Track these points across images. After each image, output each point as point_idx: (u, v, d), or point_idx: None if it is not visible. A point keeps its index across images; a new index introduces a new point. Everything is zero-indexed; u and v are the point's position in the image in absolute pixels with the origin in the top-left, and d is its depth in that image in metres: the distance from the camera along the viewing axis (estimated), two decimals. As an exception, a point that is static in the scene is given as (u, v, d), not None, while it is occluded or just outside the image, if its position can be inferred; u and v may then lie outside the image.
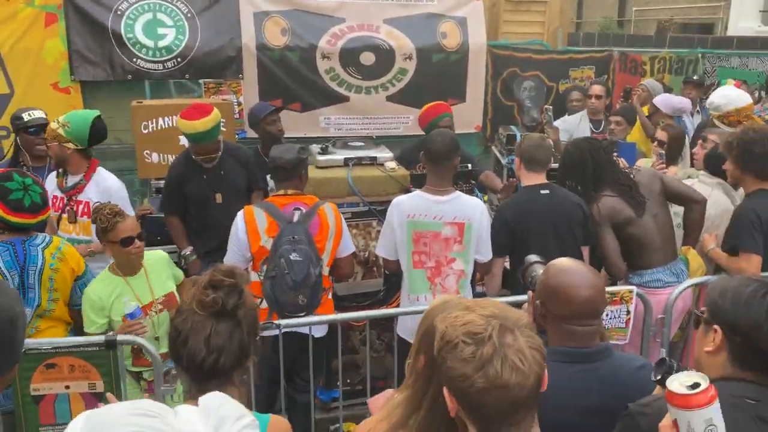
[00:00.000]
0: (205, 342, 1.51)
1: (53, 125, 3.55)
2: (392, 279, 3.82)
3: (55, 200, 3.57)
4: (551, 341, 1.82)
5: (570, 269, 1.83)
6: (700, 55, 7.09)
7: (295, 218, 3.08)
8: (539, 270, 1.98)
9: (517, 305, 2.78)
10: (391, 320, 3.43)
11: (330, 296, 3.33)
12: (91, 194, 3.55)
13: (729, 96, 4.31)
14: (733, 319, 1.51)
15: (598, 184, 3.42)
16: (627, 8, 18.02)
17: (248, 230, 3.08)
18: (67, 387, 2.61)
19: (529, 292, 2.00)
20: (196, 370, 1.52)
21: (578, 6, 17.79)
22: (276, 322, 2.78)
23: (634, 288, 3.13)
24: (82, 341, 2.63)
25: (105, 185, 3.60)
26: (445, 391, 1.23)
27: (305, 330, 3.01)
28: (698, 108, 6.22)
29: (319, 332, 3.20)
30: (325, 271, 3.17)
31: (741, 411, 1.45)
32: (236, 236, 3.10)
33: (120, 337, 2.62)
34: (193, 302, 1.54)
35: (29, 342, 2.54)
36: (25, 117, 3.92)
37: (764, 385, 1.49)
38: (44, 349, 2.57)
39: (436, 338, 1.24)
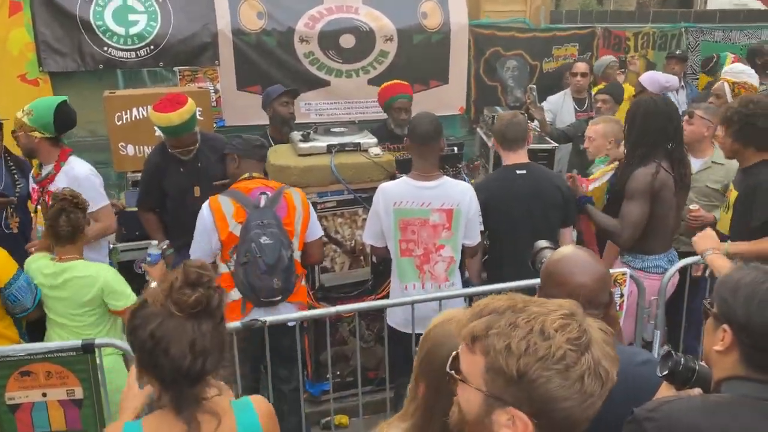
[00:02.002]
0: (189, 347, 1.40)
1: (18, 114, 3.42)
2: (380, 268, 3.74)
3: (34, 192, 3.49)
4: None
5: (572, 255, 1.78)
6: (683, 29, 7.02)
7: (262, 203, 3.02)
8: (549, 254, 1.92)
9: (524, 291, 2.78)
10: (380, 310, 3.36)
11: (303, 283, 3.27)
12: (61, 184, 3.41)
13: (749, 71, 4.60)
14: (745, 320, 1.39)
15: (670, 149, 3.24)
16: (607, -16, 17.94)
17: (216, 218, 2.99)
18: (44, 395, 2.49)
19: None
20: (179, 378, 1.42)
21: (558, -17, 17.68)
22: (261, 319, 2.69)
23: (627, 270, 3.08)
24: (57, 346, 2.49)
25: (73, 173, 3.47)
26: (511, 414, 0.98)
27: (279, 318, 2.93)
28: (682, 84, 6.18)
29: (292, 321, 3.11)
30: (297, 255, 3.12)
31: (756, 411, 1.37)
32: (203, 226, 3.01)
33: (98, 341, 2.51)
34: (169, 303, 1.41)
35: (1, 349, 2.42)
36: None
37: None
38: (18, 356, 2.44)
39: (509, 354, 0.97)
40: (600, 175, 3.72)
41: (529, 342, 0.96)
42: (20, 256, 3.07)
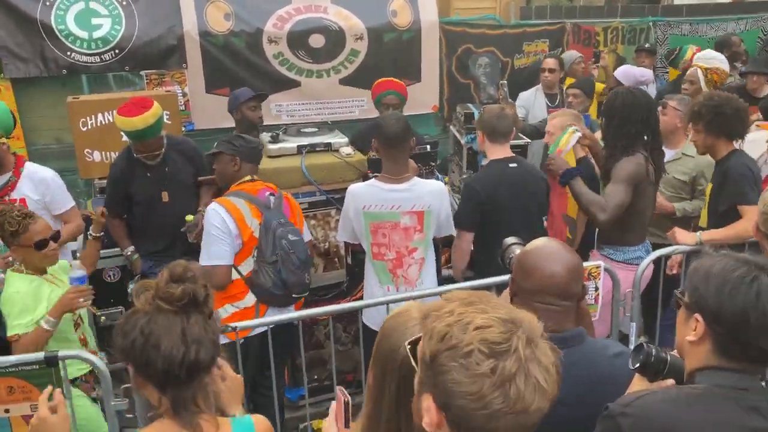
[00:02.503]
0: (181, 337, 1.39)
1: None
2: (355, 269, 3.70)
3: None
4: None
5: (545, 246, 1.75)
6: (651, 23, 7.09)
7: (272, 203, 3.03)
8: (517, 251, 1.89)
9: (488, 288, 2.74)
10: (356, 312, 3.31)
11: None
12: (26, 190, 3.33)
13: (720, 57, 4.76)
14: (717, 309, 1.37)
15: (647, 141, 3.23)
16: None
17: (236, 219, 2.94)
18: (7, 411, 2.41)
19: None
20: (175, 373, 1.39)
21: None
22: (232, 325, 2.63)
23: (601, 263, 3.06)
24: (18, 360, 2.40)
25: (39, 177, 3.38)
26: (428, 402, 0.99)
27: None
28: (654, 77, 6.24)
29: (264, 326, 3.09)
30: None
31: (731, 401, 1.35)
32: (225, 229, 2.93)
33: (62, 353, 2.42)
34: (157, 300, 1.41)
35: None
36: None
37: (751, 374, 1.39)
38: (-23, 371, 2.35)
39: (430, 338, 0.99)
40: (565, 145, 3.66)
41: (449, 330, 0.96)
42: None
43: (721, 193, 3.23)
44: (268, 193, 3.06)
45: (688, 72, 4.71)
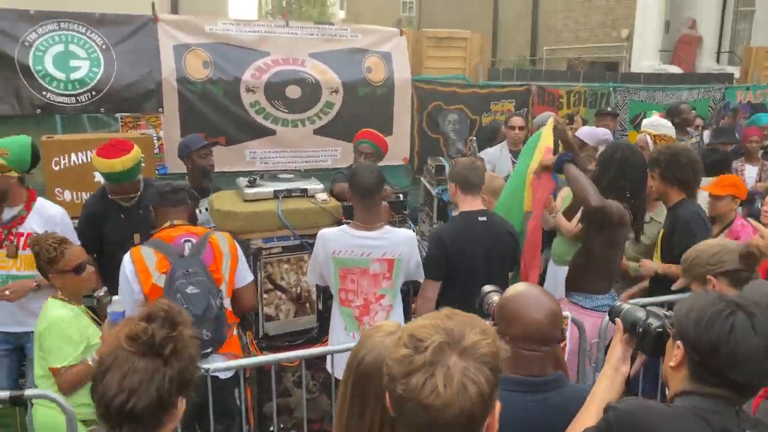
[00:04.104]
0: (119, 380, 1.36)
1: None
2: (325, 315, 3.69)
3: None
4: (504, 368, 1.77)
5: (525, 292, 1.82)
6: (612, 88, 7.49)
7: (186, 251, 2.91)
8: (495, 297, 1.95)
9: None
10: (324, 358, 3.30)
11: (235, 332, 3.16)
12: (34, 225, 3.33)
13: (667, 124, 5.07)
14: (695, 339, 1.51)
15: (635, 200, 3.37)
16: (538, 48, 18.98)
17: (137, 269, 2.85)
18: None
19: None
20: (106, 411, 1.38)
21: (493, 45, 18.60)
22: (205, 366, 2.59)
23: (568, 313, 3.15)
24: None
25: (49, 214, 3.40)
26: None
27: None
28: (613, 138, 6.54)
29: (226, 373, 2.99)
30: (227, 303, 3.01)
31: (702, 421, 1.46)
32: (125, 278, 2.87)
33: (29, 392, 2.35)
34: (122, 335, 1.41)
35: None
36: None
37: (722, 398, 1.50)
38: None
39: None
40: (548, 138, 3.70)
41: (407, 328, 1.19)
42: None
43: (673, 239, 3.45)
44: (184, 239, 2.95)
45: (638, 137, 5.03)
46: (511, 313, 1.77)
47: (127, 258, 2.89)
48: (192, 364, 1.47)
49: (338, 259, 3.13)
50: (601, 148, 5.74)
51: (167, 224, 3.01)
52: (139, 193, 3.58)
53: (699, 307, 1.53)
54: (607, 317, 3.17)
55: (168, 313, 1.45)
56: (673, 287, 2.96)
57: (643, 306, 1.83)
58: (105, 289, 3.59)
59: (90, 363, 2.62)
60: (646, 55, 14.89)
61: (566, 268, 3.64)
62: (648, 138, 4.87)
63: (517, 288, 1.86)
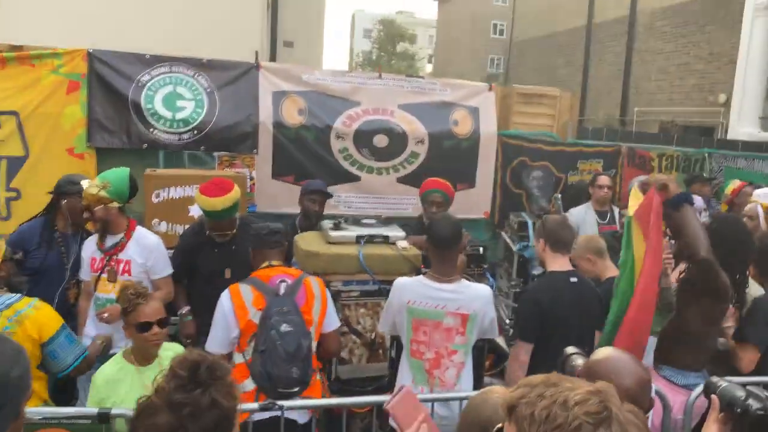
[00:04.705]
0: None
1: (92, 190, 3.51)
2: (397, 364, 3.67)
3: (93, 262, 3.58)
4: None
5: (615, 356, 1.77)
6: (707, 154, 7.21)
7: (282, 290, 2.99)
8: (578, 360, 1.90)
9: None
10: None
11: (318, 377, 3.15)
12: (132, 253, 3.55)
13: None
14: None
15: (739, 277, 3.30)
16: (629, 108, 18.57)
17: (235, 306, 2.95)
18: (51, 461, 2.44)
19: None
20: None
21: (581, 103, 18.37)
22: (279, 403, 2.63)
23: (652, 385, 2.99)
24: (73, 412, 2.46)
25: (145, 242, 3.60)
26: None
27: (289, 415, 2.81)
28: (706, 206, 6.25)
29: (304, 417, 2.98)
30: (313, 346, 3.04)
31: None
32: (222, 314, 2.96)
33: (115, 410, 2.47)
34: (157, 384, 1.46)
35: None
36: (84, 184, 3.74)
37: None
38: (34, 419, 2.41)
39: (531, 422, 1.06)
40: (636, 199, 3.51)
41: (550, 411, 1.05)
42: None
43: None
44: (280, 279, 3.03)
45: (747, 207, 4.74)
46: (601, 377, 1.71)
47: (225, 294, 3.00)
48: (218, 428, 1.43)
49: (412, 309, 3.12)
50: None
51: (265, 264, 3.13)
52: (234, 230, 3.75)
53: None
54: (694, 393, 3.04)
55: (197, 366, 1.43)
56: None
57: (743, 385, 1.72)
58: (188, 308, 3.76)
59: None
60: (744, 122, 14.27)
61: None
62: (760, 209, 4.62)
63: (606, 352, 1.80)
